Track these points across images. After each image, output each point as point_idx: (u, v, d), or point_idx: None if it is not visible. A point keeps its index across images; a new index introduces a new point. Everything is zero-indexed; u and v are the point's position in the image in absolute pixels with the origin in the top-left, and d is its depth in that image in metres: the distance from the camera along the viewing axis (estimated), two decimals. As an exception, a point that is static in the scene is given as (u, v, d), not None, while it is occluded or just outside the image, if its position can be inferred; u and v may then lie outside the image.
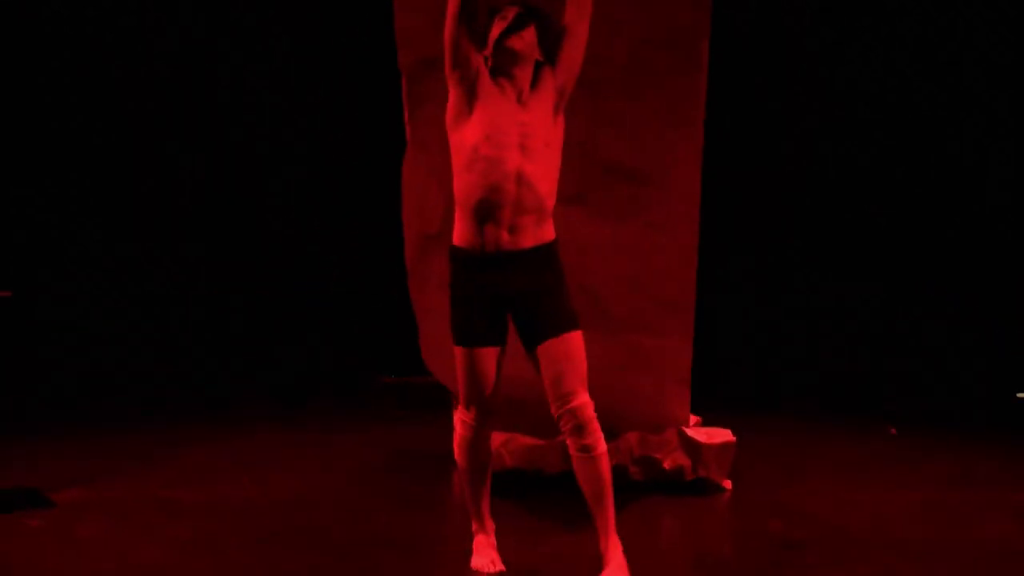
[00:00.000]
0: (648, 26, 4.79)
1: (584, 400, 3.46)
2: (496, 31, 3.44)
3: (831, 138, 8.67)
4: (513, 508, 4.62)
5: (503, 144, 3.39)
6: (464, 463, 3.70)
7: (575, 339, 3.48)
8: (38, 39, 8.24)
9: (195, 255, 8.69)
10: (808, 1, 8.46)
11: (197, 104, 8.65)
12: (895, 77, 8.52)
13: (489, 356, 3.53)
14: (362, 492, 5.17)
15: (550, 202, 3.49)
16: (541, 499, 4.83)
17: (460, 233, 3.51)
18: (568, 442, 3.51)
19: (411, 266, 5.11)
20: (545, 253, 3.49)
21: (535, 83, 3.50)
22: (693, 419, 5.22)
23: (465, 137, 3.45)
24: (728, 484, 5.18)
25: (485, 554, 3.77)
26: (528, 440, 5.08)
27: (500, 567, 3.74)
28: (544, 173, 3.45)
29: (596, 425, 3.47)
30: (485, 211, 3.42)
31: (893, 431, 6.66)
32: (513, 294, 3.47)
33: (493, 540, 3.81)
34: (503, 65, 3.46)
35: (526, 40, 3.43)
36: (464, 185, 3.45)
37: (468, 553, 3.83)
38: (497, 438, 4.60)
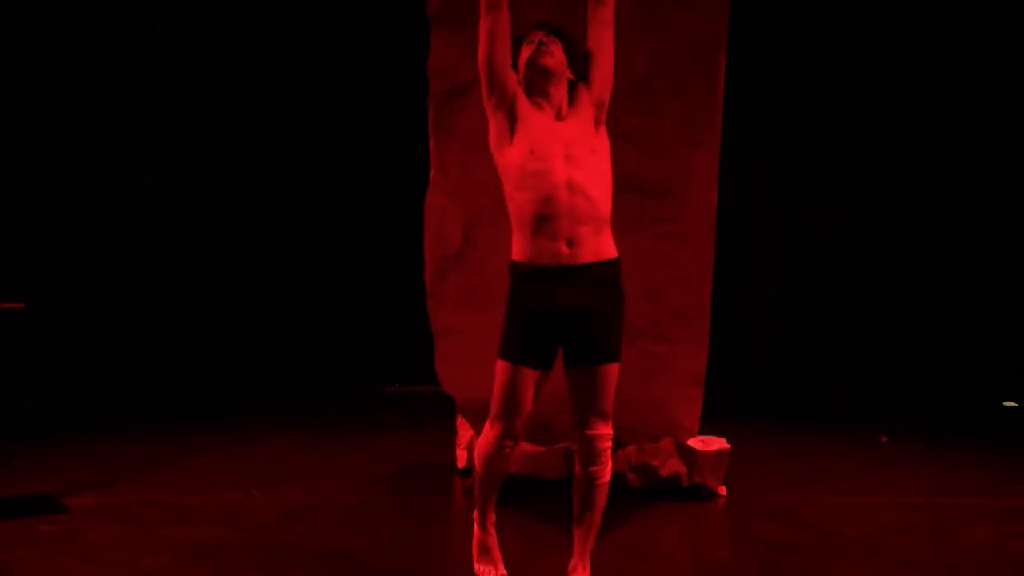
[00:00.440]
0: (665, 40, 4.82)
1: (606, 431, 3.45)
2: (526, 54, 3.43)
3: (828, 149, 8.60)
4: (515, 514, 4.60)
5: (548, 156, 3.34)
6: (480, 469, 3.62)
7: (613, 371, 3.43)
8: (46, 48, 8.18)
9: (206, 265, 8.65)
10: (822, 9, 8.41)
11: (222, 121, 8.61)
12: (904, 85, 8.45)
13: (530, 378, 3.39)
14: (366, 500, 5.15)
15: (605, 208, 3.38)
16: (541, 505, 4.82)
17: (518, 249, 3.40)
18: (577, 462, 3.51)
19: (431, 287, 5.15)
20: (606, 271, 3.39)
21: (572, 100, 3.47)
22: None
23: (510, 158, 3.40)
24: (723, 490, 5.18)
25: (487, 563, 3.74)
26: (529, 447, 5.07)
27: (503, 573, 3.74)
28: (594, 179, 3.37)
29: (609, 456, 3.48)
30: (541, 225, 3.32)
31: (884, 439, 6.64)
32: (569, 310, 3.34)
33: (494, 535, 3.76)
34: (537, 85, 3.43)
35: (556, 58, 3.41)
36: (518, 204, 3.38)
37: (470, 560, 3.81)
38: None
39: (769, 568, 4.07)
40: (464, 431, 5.41)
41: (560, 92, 3.44)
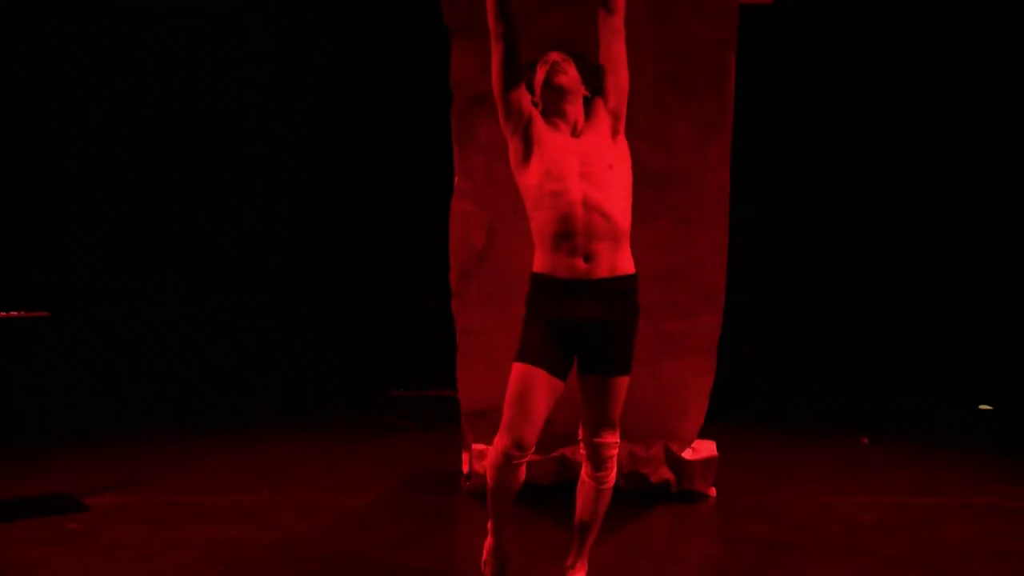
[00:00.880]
0: (675, 40, 4.83)
1: (614, 440, 3.46)
2: (541, 75, 3.42)
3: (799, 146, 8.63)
4: (515, 513, 4.64)
5: (563, 175, 3.32)
6: (492, 482, 3.43)
7: (624, 383, 3.42)
8: (45, 48, 8.14)
9: (221, 278, 8.66)
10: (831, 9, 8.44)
11: (246, 131, 8.64)
12: (906, 83, 8.48)
13: (544, 382, 3.31)
14: (372, 501, 5.16)
15: (622, 222, 3.35)
16: (540, 506, 4.83)
17: (539, 262, 3.38)
18: (584, 466, 3.52)
19: (455, 288, 5.16)
20: (622, 287, 3.37)
21: (588, 115, 3.44)
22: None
23: (529, 179, 3.39)
24: (712, 491, 5.20)
25: (494, 569, 3.62)
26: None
27: None
28: (611, 195, 3.33)
29: (614, 463, 3.51)
30: (559, 242, 3.30)
31: (865, 440, 6.68)
32: (585, 324, 3.32)
33: (509, 547, 3.58)
34: (553, 103, 3.41)
35: (571, 76, 3.40)
36: (538, 223, 3.36)
37: (475, 560, 3.77)
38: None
39: (757, 564, 4.09)
40: (470, 437, 5.40)
41: (576, 109, 3.42)
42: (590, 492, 3.53)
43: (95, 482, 5.33)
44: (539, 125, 3.41)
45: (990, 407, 8.00)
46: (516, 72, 3.40)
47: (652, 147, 4.71)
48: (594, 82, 3.47)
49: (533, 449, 3.37)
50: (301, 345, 8.70)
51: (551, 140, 3.38)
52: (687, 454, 5.12)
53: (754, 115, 8.30)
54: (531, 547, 4.21)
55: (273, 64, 8.63)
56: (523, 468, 3.40)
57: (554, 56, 3.43)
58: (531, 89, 3.47)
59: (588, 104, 3.46)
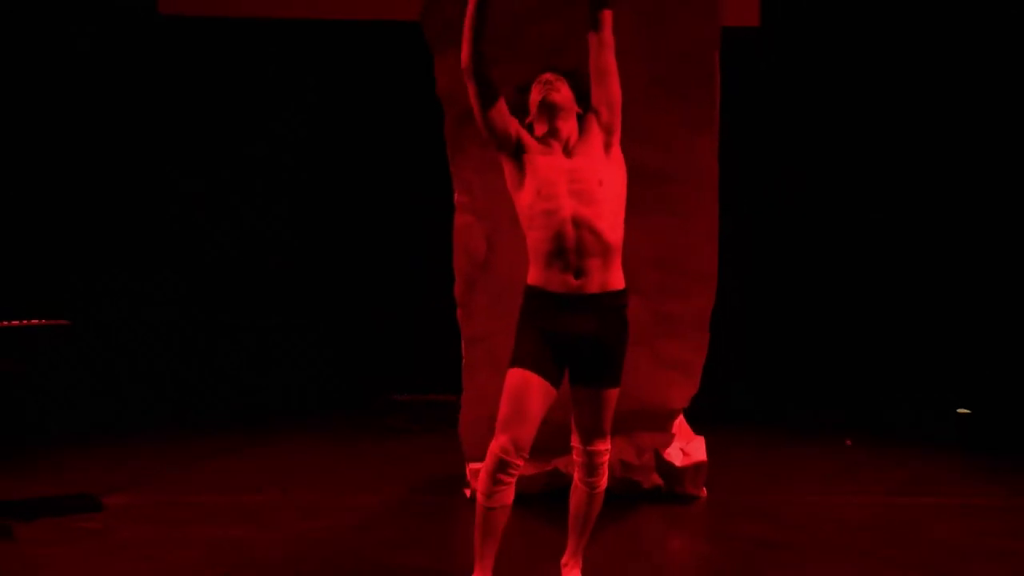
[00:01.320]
0: (662, 44, 4.84)
1: (606, 447, 3.50)
2: (536, 95, 3.43)
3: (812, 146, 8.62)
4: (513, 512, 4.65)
5: (554, 195, 3.31)
6: (481, 496, 3.33)
7: (614, 395, 3.45)
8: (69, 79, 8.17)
9: (222, 279, 8.62)
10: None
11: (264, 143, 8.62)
12: (902, 84, 8.44)
13: (539, 386, 3.30)
14: (376, 501, 5.16)
15: (613, 238, 3.34)
16: (531, 514, 4.78)
17: (532, 276, 3.39)
18: (576, 472, 3.55)
19: (460, 299, 5.14)
20: (612, 303, 3.37)
21: (582, 131, 3.43)
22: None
23: (523, 199, 3.40)
24: (704, 492, 5.20)
25: None
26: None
27: None
28: (601, 211, 3.32)
29: (606, 468, 3.54)
30: (552, 259, 3.31)
31: (848, 442, 6.68)
32: (577, 337, 3.33)
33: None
34: (547, 122, 3.41)
35: (563, 94, 3.40)
36: (533, 242, 3.37)
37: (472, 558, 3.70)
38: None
39: (752, 564, 4.10)
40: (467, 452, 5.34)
41: (569, 126, 3.42)
42: (583, 496, 3.57)
43: (104, 482, 5.33)
44: (530, 145, 3.41)
45: (968, 411, 8.01)
46: (495, 103, 3.37)
47: (645, 145, 4.70)
48: (587, 101, 3.46)
49: (527, 454, 3.32)
50: (304, 348, 8.65)
51: (543, 160, 3.37)
52: (678, 460, 5.12)
53: (754, 116, 8.40)
54: (527, 548, 4.22)
55: (273, 64, 8.57)
56: (512, 488, 3.33)
57: (547, 76, 3.43)
58: (526, 110, 3.48)
59: (581, 120, 3.45)
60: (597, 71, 3.42)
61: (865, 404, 8.17)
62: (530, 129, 3.47)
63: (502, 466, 3.28)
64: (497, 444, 3.30)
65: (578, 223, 3.29)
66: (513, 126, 3.43)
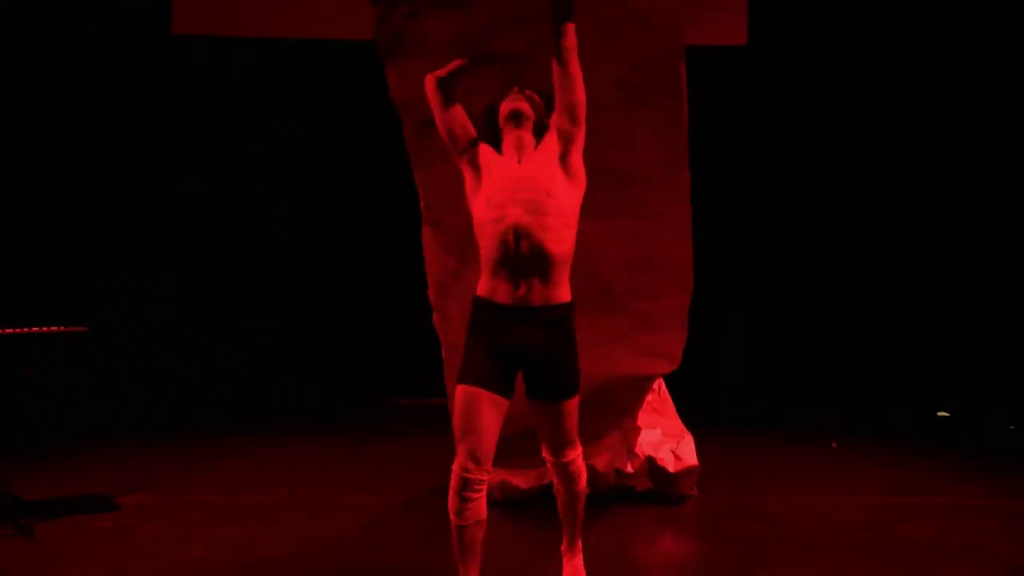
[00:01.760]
0: (631, 53, 4.77)
1: (575, 455, 3.47)
2: (504, 107, 3.40)
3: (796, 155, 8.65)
4: (506, 512, 4.68)
5: (502, 203, 3.24)
6: (452, 515, 3.28)
7: (574, 404, 3.36)
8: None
9: (224, 281, 8.65)
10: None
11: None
12: (886, 84, 8.46)
13: (486, 400, 3.22)
14: (381, 499, 5.20)
15: (557, 250, 3.24)
16: (525, 514, 4.83)
17: (482, 286, 3.31)
18: (554, 479, 3.55)
19: (435, 303, 5.12)
20: (555, 315, 3.27)
21: (540, 141, 3.37)
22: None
23: (476, 206, 3.34)
24: (695, 490, 5.22)
25: None
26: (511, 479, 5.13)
27: None
28: (547, 223, 3.22)
29: (583, 470, 3.53)
30: (498, 268, 3.24)
31: (834, 444, 6.72)
32: (524, 349, 3.25)
33: None
34: (510, 130, 3.37)
35: (524, 104, 3.36)
36: (482, 249, 3.30)
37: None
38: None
39: (739, 560, 4.14)
40: None
41: (527, 136, 3.36)
42: (566, 497, 3.58)
43: (124, 483, 5.37)
44: (486, 156, 3.37)
45: (947, 414, 8.03)
46: (453, 104, 3.41)
47: (617, 149, 4.71)
48: (550, 113, 3.41)
49: (489, 466, 3.24)
50: (316, 356, 8.68)
51: (496, 168, 3.32)
52: (671, 465, 5.14)
53: (754, 120, 8.44)
54: (526, 548, 4.26)
55: (273, 65, 8.57)
56: (482, 502, 3.25)
57: (515, 90, 3.42)
58: (494, 121, 3.43)
59: (542, 131, 3.40)
60: (560, 79, 3.31)
61: (854, 406, 8.19)
62: (494, 141, 3.43)
63: (465, 484, 3.22)
64: (457, 463, 3.24)
65: (523, 233, 3.21)
66: (472, 133, 3.41)
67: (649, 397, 5.39)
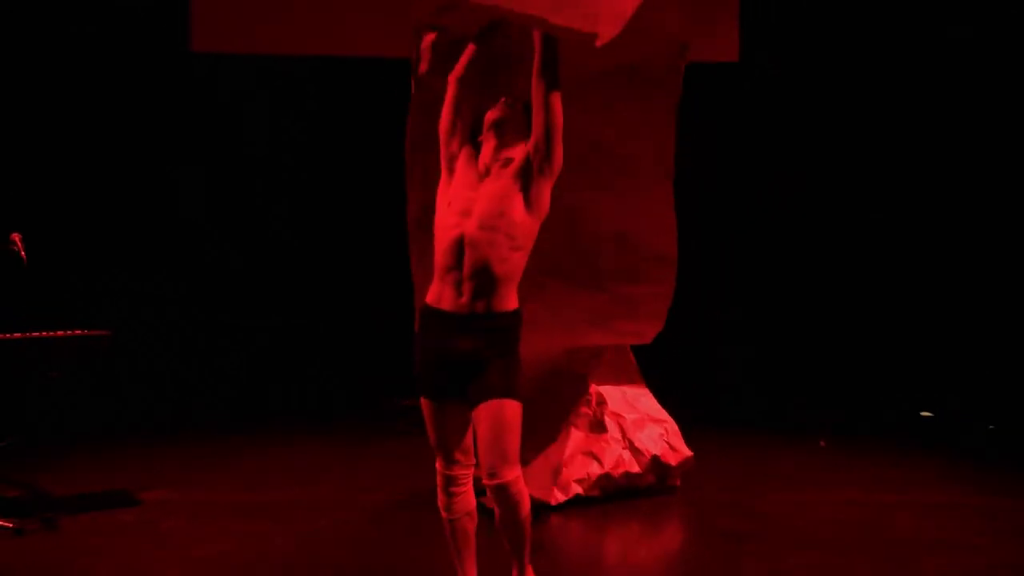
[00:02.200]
0: (631, 49, 4.57)
1: (512, 476, 3.13)
2: (489, 116, 3.35)
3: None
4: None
5: (456, 212, 3.19)
6: (442, 511, 3.31)
7: (511, 407, 3.11)
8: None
9: (227, 283, 8.63)
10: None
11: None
12: (886, 84, 8.41)
13: (450, 410, 3.20)
14: (385, 496, 5.24)
15: (501, 270, 3.15)
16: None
17: (431, 292, 3.25)
18: (496, 512, 3.23)
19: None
20: (499, 323, 3.16)
21: (511, 159, 3.27)
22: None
23: (440, 206, 3.29)
24: (678, 481, 5.27)
25: None
26: None
27: None
28: (495, 241, 3.13)
29: (523, 496, 3.20)
30: (445, 273, 3.19)
31: (822, 443, 6.74)
32: (462, 354, 3.14)
33: None
34: (489, 139, 3.31)
35: (507, 111, 3.31)
36: (436, 252, 3.24)
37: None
38: None
39: (726, 555, 4.20)
40: None
41: (504, 150, 3.29)
42: (510, 526, 3.24)
43: (145, 480, 5.44)
44: (463, 162, 3.32)
45: (930, 414, 8.06)
46: (461, 116, 3.38)
47: (604, 120, 4.69)
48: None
49: (470, 459, 3.25)
50: (322, 359, 8.66)
51: (463, 178, 3.28)
52: (672, 459, 5.22)
53: (754, 122, 8.47)
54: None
55: (274, 62, 8.50)
56: (468, 495, 3.27)
57: (502, 99, 3.37)
58: (478, 128, 3.38)
59: (520, 147, 3.29)
60: (536, 94, 3.19)
61: (849, 406, 8.16)
62: (476, 148, 3.37)
63: (448, 481, 3.26)
64: (438, 462, 3.29)
65: (472, 244, 3.14)
66: (461, 143, 3.37)
67: (624, 384, 5.39)
